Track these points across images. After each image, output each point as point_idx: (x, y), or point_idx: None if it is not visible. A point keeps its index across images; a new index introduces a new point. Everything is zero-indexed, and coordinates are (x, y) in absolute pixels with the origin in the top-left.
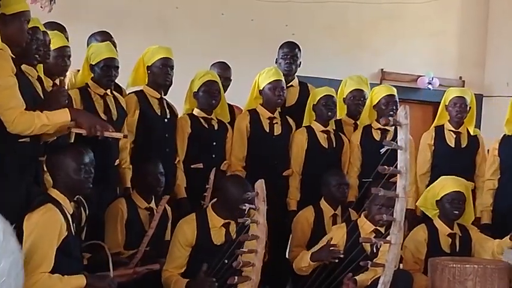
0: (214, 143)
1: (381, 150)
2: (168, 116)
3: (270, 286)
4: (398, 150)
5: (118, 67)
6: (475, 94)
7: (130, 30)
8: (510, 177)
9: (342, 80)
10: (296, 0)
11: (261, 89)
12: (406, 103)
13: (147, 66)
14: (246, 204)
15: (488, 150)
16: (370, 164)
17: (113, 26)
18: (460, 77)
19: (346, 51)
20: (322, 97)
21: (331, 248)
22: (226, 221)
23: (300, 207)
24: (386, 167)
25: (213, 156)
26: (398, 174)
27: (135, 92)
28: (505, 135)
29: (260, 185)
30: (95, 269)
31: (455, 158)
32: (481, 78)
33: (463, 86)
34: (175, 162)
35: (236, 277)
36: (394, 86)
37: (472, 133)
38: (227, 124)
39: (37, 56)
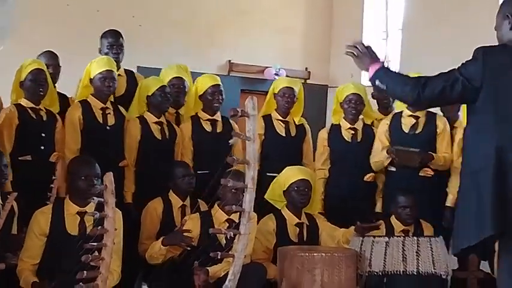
0: (43, 134)
1: (229, 142)
2: None
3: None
4: (247, 141)
5: None
6: (320, 85)
7: None
8: (340, 166)
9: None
10: None
11: (92, 78)
12: (253, 94)
13: None
14: (95, 198)
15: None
16: (202, 155)
17: None
18: (306, 68)
19: (193, 43)
20: (159, 88)
21: (184, 234)
22: (82, 209)
23: (135, 200)
24: (234, 157)
25: (42, 147)
26: (246, 165)
27: None
28: (332, 124)
29: (108, 177)
30: None
31: (286, 147)
32: (326, 70)
33: (309, 78)
34: None
35: (85, 272)
36: (241, 77)
37: (298, 122)
38: (56, 114)
39: None
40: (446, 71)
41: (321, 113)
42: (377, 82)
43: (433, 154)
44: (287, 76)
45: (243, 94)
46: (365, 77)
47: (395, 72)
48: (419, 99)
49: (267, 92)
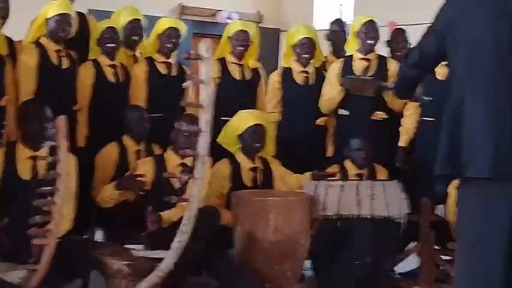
0: None
1: (183, 85)
2: None
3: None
4: (201, 85)
5: None
6: (272, 29)
7: None
8: (292, 109)
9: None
10: None
11: (48, 18)
12: (205, 38)
13: None
14: (47, 142)
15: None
16: (156, 98)
17: None
18: (258, 12)
19: None
20: (104, 30)
21: (136, 178)
22: (34, 153)
23: (89, 144)
24: (188, 101)
25: None
26: (201, 108)
27: None
28: (284, 67)
29: (60, 121)
30: None
31: (240, 90)
32: (278, 13)
33: (261, 21)
34: None
35: (37, 216)
36: (193, 20)
37: (252, 66)
38: (5, 57)
39: None
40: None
41: (273, 58)
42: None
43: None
44: (239, 19)
45: (195, 37)
46: (317, 21)
47: None
48: (405, 68)
49: (219, 36)
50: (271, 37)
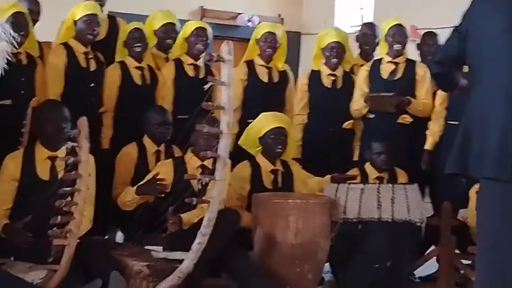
0: (23, 79)
1: (204, 87)
2: None
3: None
4: (222, 87)
5: None
6: (293, 32)
7: None
8: (319, 112)
9: None
10: None
11: (76, 19)
12: (226, 41)
13: None
14: (69, 143)
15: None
16: (183, 100)
17: None
18: (279, 15)
19: None
20: (130, 31)
21: (157, 182)
22: (53, 153)
23: (114, 145)
24: (210, 103)
25: (22, 92)
26: (222, 110)
27: None
28: (313, 70)
29: (82, 122)
30: None
31: (268, 93)
32: (299, 16)
33: (282, 24)
34: None
35: (59, 216)
36: (214, 23)
37: (280, 68)
38: (36, 58)
39: None
40: None
41: (294, 61)
42: None
43: (411, 98)
44: (260, 23)
45: (216, 40)
46: (338, 24)
47: None
48: (431, 65)
49: (240, 39)
50: (291, 41)
